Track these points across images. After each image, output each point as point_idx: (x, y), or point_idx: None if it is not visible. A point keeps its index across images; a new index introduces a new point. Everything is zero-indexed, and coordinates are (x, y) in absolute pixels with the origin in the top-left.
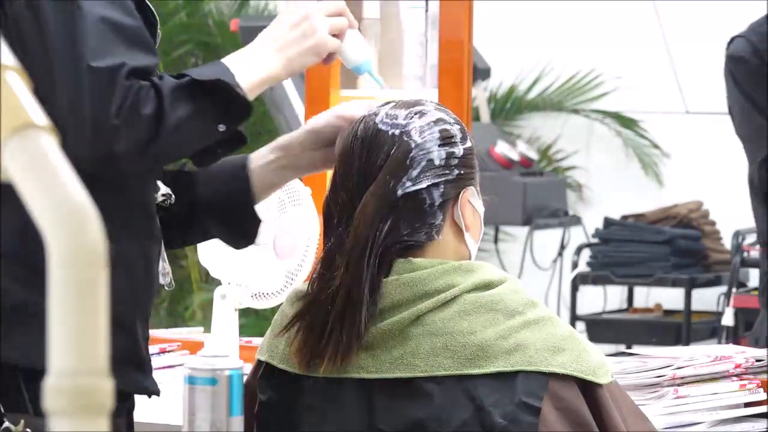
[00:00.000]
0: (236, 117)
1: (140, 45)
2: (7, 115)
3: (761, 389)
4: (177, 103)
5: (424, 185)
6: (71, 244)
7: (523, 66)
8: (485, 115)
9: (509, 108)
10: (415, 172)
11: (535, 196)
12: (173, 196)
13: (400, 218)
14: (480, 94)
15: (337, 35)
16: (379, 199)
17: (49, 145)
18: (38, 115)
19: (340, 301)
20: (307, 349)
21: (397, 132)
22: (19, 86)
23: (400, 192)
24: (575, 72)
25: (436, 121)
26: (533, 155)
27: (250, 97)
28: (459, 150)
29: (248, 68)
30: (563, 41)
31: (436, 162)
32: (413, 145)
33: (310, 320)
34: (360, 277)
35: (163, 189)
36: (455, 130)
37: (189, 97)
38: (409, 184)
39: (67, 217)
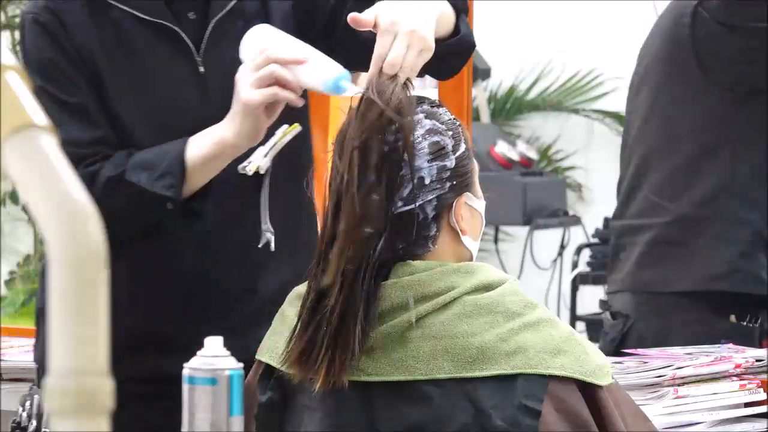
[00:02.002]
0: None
1: (79, 118)
2: (7, 115)
3: (761, 389)
4: (111, 194)
5: (416, 203)
6: (71, 244)
7: (523, 66)
8: (485, 115)
9: (509, 108)
10: (406, 191)
11: (535, 196)
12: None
13: (394, 235)
14: (480, 94)
15: (280, 82)
16: (371, 219)
17: (49, 145)
18: (38, 115)
19: (334, 321)
20: (302, 365)
21: (386, 149)
22: (19, 86)
23: (392, 211)
24: (575, 72)
25: (427, 133)
26: (533, 155)
27: (207, 170)
28: (451, 161)
29: (203, 142)
30: (563, 41)
31: (427, 180)
32: (403, 163)
33: (305, 339)
34: (354, 299)
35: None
36: (447, 139)
37: (122, 189)
38: (400, 203)
39: (67, 217)
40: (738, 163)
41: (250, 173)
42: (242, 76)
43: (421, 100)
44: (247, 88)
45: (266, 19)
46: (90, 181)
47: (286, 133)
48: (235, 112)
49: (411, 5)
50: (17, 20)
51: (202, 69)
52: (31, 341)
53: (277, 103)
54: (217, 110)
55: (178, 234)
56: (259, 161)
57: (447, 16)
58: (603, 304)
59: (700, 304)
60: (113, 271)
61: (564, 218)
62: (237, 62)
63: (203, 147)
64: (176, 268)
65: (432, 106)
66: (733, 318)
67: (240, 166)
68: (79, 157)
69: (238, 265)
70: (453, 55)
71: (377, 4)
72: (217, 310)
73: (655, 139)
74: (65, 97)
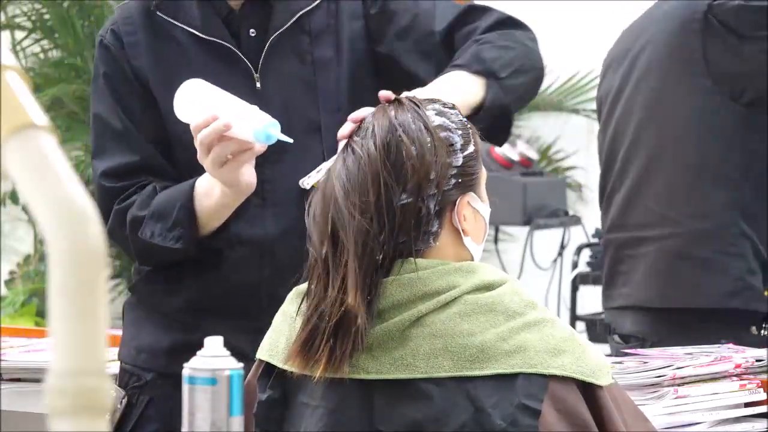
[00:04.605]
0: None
1: (122, 144)
2: (7, 115)
3: (761, 389)
4: (135, 238)
5: (420, 196)
6: (71, 244)
7: None
8: None
9: None
10: (410, 184)
11: (535, 196)
12: None
13: (396, 228)
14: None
15: (223, 138)
16: (376, 210)
17: (49, 145)
18: (38, 115)
19: (336, 312)
20: (303, 356)
21: (394, 142)
22: (19, 86)
23: (396, 203)
24: (575, 72)
25: (437, 129)
26: (533, 155)
27: (217, 217)
28: (458, 159)
29: (208, 193)
30: (563, 41)
31: (432, 175)
32: (410, 156)
33: (307, 330)
34: (355, 289)
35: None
36: (456, 137)
37: (140, 240)
38: (404, 196)
39: (67, 217)
40: (743, 175)
41: (308, 187)
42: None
43: (434, 99)
44: (201, 161)
45: (336, 36)
46: (122, 220)
47: None
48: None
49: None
50: (17, 20)
51: (259, 85)
52: (31, 341)
53: (241, 154)
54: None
55: (237, 244)
56: (318, 176)
57: (470, 92)
58: (606, 327)
59: (716, 320)
60: (172, 281)
61: (564, 218)
62: (297, 77)
63: (209, 197)
64: (234, 276)
65: (444, 107)
66: (753, 330)
67: (301, 180)
68: (116, 190)
69: (293, 274)
70: (490, 120)
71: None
72: (270, 319)
73: (656, 147)
74: (113, 122)
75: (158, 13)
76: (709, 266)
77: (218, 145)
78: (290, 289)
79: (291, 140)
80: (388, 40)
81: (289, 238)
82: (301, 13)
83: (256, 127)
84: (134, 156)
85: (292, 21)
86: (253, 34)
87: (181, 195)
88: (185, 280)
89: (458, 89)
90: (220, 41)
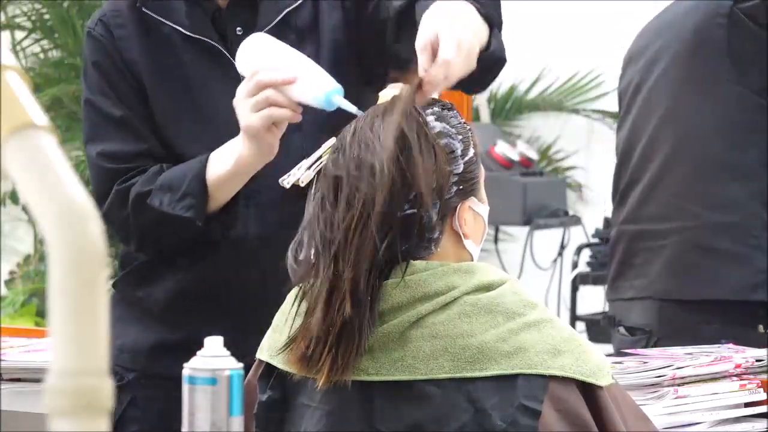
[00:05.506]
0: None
1: (123, 131)
2: (7, 115)
3: (761, 389)
4: (139, 214)
5: (422, 206)
6: (71, 244)
7: (523, 66)
8: (485, 115)
9: (509, 108)
10: (412, 195)
11: (535, 196)
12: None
13: (399, 236)
14: (480, 94)
15: (275, 103)
16: (378, 220)
17: (49, 145)
18: (38, 115)
19: (338, 321)
20: (304, 364)
21: (395, 153)
22: (19, 86)
23: (398, 213)
24: (575, 72)
25: (436, 136)
26: (533, 155)
27: (228, 187)
28: (459, 166)
29: (223, 159)
30: (563, 41)
31: (434, 185)
32: (411, 167)
33: (309, 336)
34: (359, 298)
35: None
36: (456, 143)
37: (147, 211)
38: (407, 206)
39: (67, 216)
40: (765, 167)
41: (288, 186)
42: (239, 101)
43: (432, 101)
44: (245, 114)
45: (317, 32)
46: (123, 199)
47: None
48: (242, 135)
49: (464, 21)
50: (17, 20)
51: None
52: (31, 341)
53: (280, 122)
54: None
55: (218, 243)
56: (299, 174)
57: (482, 32)
58: (609, 320)
59: (731, 314)
60: (154, 279)
61: (564, 218)
62: None
63: (223, 165)
64: (214, 275)
65: (443, 109)
66: (761, 328)
67: (281, 179)
68: (118, 172)
69: (275, 275)
70: (483, 69)
71: (430, 20)
72: (252, 320)
73: (678, 140)
74: (111, 110)
75: (144, 10)
76: (732, 258)
77: (267, 91)
78: (272, 290)
79: (355, 109)
80: (368, 21)
81: (271, 237)
82: (287, 11)
83: (318, 93)
84: (136, 144)
85: (278, 19)
86: (240, 33)
87: (192, 168)
88: (166, 276)
89: (471, 26)
90: (207, 40)
